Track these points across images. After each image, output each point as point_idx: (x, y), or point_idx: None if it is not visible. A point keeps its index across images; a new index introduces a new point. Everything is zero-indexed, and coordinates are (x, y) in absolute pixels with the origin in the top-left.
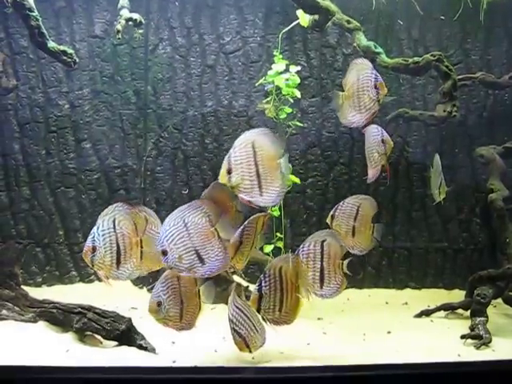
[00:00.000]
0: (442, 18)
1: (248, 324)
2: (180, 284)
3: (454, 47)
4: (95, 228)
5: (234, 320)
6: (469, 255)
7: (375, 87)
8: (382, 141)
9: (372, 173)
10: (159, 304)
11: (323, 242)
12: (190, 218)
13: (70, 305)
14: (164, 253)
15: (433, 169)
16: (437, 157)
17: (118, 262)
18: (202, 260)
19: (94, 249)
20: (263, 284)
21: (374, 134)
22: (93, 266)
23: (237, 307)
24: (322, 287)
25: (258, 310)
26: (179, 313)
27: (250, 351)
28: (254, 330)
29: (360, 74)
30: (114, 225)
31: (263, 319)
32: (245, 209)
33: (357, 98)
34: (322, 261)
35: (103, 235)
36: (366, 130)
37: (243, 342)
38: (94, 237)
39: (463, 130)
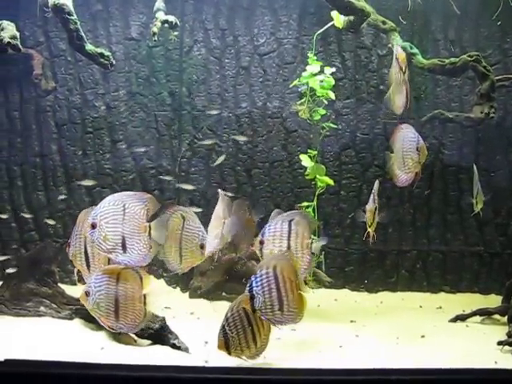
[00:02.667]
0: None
1: (244, 333)
2: (119, 284)
3: (492, 47)
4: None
5: (231, 322)
6: (506, 260)
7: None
8: (417, 148)
9: (405, 178)
10: (87, 294)
11: (291, 220)
12: (130, 205)
13: None
14: (93, 226)
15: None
16: (474, 167)
17: (88, 266)
18: (124, 248)
19: (69, 245)
20: (254, 285)
21: (411, 140)
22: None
23: (245, 313)
24: None
25: (254, 311)
26: (113, 311)
27: (229, 353)
28: (247, 341)
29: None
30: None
31: (266, 320)
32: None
33: None
34: (289, 239)
35: (76, 235)
36: (399, 130)
37: (224, 341)
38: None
39: (500, 132)
